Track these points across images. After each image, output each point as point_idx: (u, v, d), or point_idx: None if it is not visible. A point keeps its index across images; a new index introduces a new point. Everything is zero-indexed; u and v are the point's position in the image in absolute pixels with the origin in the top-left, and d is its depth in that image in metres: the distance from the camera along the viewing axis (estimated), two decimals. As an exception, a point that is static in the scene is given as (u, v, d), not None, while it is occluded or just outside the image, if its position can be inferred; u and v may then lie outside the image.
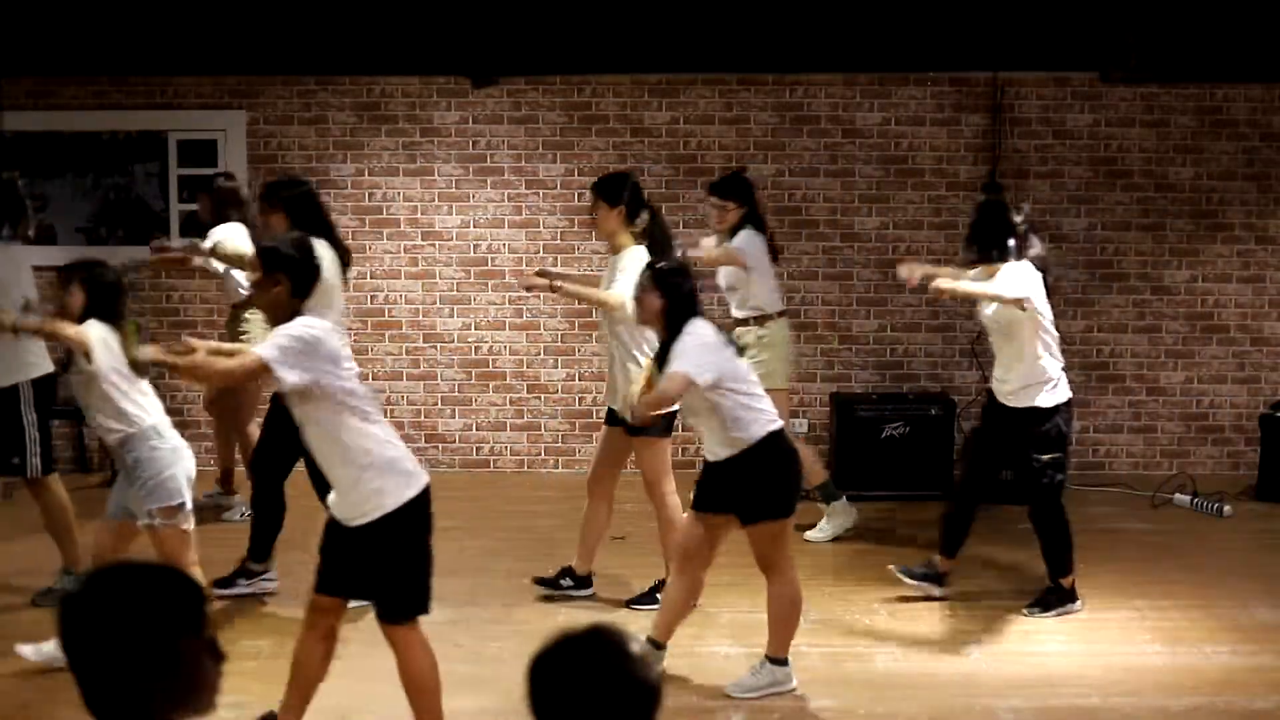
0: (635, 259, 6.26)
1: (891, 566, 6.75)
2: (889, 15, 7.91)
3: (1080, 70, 8.81)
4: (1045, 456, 6.40)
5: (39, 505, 6.67)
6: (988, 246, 6.48)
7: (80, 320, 5.62)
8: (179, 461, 5.65)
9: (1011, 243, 6.54)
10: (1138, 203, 9.09)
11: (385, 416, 9.85)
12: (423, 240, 9.15)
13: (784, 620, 5.68)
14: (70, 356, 5.73)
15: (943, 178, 9.06)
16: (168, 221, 9.08)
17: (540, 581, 6.74)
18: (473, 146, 9.10)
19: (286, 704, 4.95)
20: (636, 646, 2.32)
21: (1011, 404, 6.47)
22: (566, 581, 6.72)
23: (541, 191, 9.09)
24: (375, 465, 4.67)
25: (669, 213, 8.97)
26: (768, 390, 7.47)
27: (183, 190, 9.03)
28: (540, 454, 9.25)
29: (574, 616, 6.45)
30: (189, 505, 5.67)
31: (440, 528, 7.96)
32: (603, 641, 2.30)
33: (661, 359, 5.50)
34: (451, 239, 9.13)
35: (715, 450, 5.55)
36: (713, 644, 6.13)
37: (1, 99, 8.91)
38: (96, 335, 5.58)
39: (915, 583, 6.65)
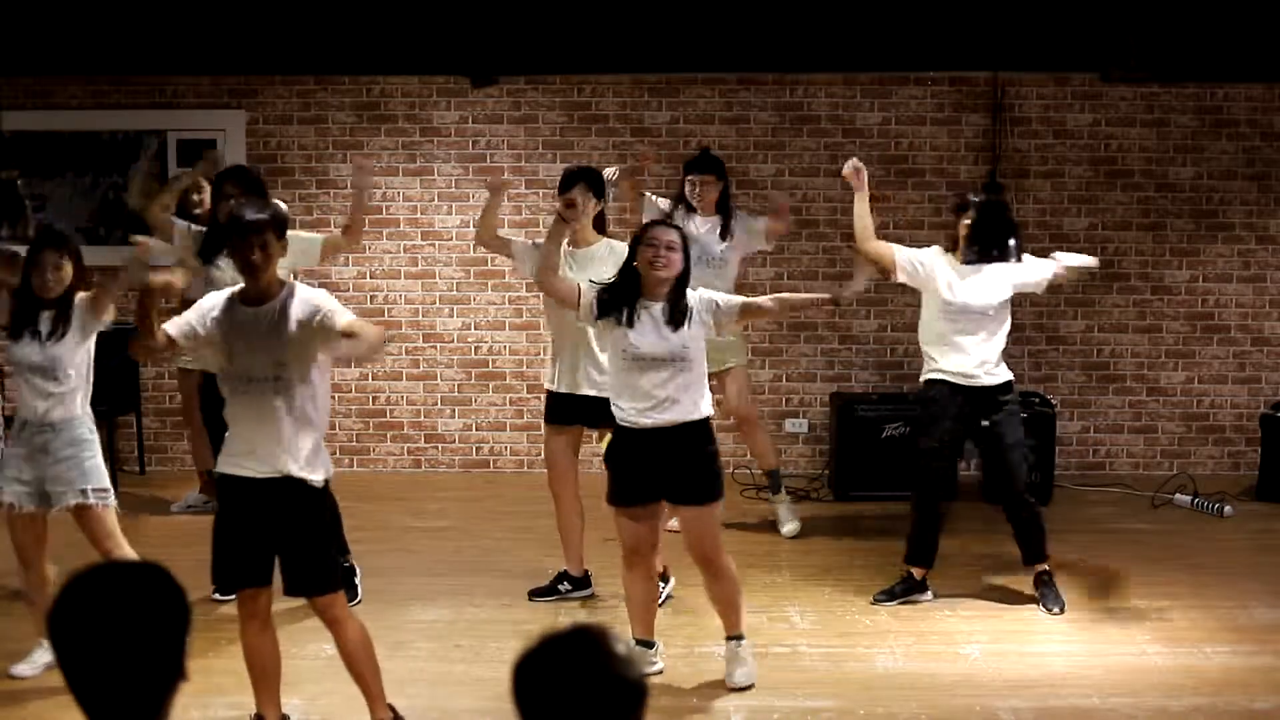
0: (613, 249, 6.33)
1: (873, 602, 6.66)
2: (889, 15, 7.91)
3: (1080, 70, 8.81)
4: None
5: None
6: (988, 246, 6.48)
7: (68, 292, 5.56)
8: (99, 447, 5.71)
9: (1012, 242, 6.54)
10: (1138, 202, 9.09)
11: (385, 416, 9.92)
12: (422, 240, 9.14)
13: (739, 600, 5.76)
14: (60, 324, 5.58)
15: (943, 178, 9.05)
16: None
17: (538, 593, 6.72)
18: (472, 146, 9.10)
19: (261, 701, 5.04)
20: (621, 646, 2.31)
21: (988, 383, 6.49)
22: (565, 586, 6.71)
23: (541, 191, 9.08)
24: (323, 432, 4.88)
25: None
26: (731, 368, 7.55)
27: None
28: (540, 454, 9.22)
29: (575, 616, 6.45)
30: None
31: (439, 528, 8.03)
32: (586, 641, 2.30)
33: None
34: (451, 239, 9.12)
35: (674, 416, 5.47)
36: (711, 644, 6.12)
37: (1, 99, 8.91)
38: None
39: (898, 602, 6.63)
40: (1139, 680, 5.76)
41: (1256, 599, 6.71)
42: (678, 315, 5.44)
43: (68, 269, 5.57)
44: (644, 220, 7.30)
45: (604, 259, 6.32)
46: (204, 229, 7.07)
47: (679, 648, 6.05)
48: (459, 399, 9.23)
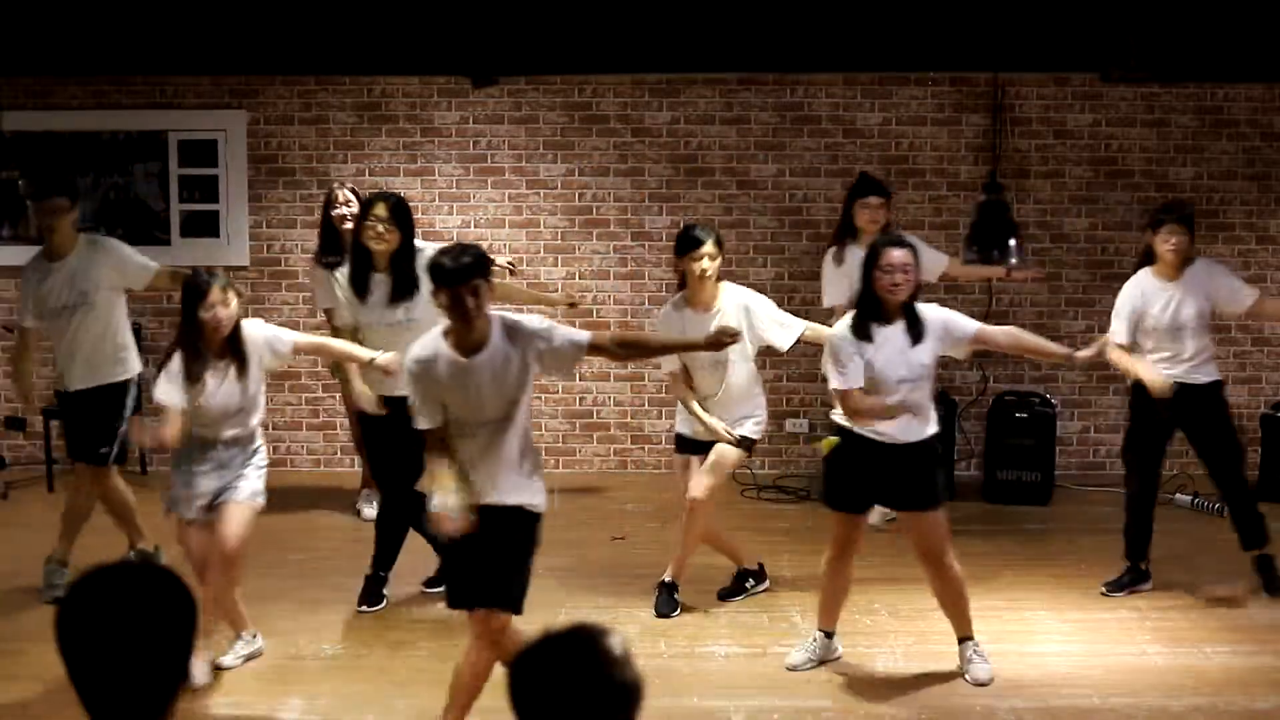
0: (740, 299, 6.42)
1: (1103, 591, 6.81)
2: (889, 15, 7.90)
3: (1080, 70, 8.81)
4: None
5: (102, 496, 6.76)
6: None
7: (236, 324, 5.60)
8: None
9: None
10: (1138, 202, 9.08)
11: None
12: (423, 240, 9.12)
13: (964, 602, 5.82)
14: (243, 365, 5.61)
15: (943, 178, 9.06)
16: (168, 222, 9.07)
17: (725, 594, 6.74)
18: (473, 146, 9.10)
19: (453, 710, 4.94)
20: (617, 647, 2.32)
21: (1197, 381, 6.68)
22: (750, 583, 6.77)
23: (542, 191, 9.08)
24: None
25: (669, 213, 9.00)
26: None
27: (183, 190, 9.02)
28: (540, 454, 9.21)
29: (575, 616, 6.45)
30: None
31: (440, 528, 8.01)
32: (582, 641, 2.31)
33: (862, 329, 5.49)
34: (452, 239, 9.10)
35: (915, 432, 5.54)
36: (711, 644, 6.13)
37: (1, 99, 8.91)
38: None
39: (1126, 592, 6.78)
40: (1139, 680, 5.76)
41: (1257, 599, 6.71)
42: (916, 332, 5.48)
43: (234, 301, 5.58)
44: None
45: (732, 313, 6.32)
46: (338, 260, 7.11)
47: (679, 647, 6.05)
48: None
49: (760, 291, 9.03)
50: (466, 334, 4.65)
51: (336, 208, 7.33)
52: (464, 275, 4.58)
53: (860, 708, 5.49)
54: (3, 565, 7.15)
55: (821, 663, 5.88)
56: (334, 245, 7.21)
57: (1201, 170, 9.06)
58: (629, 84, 9.04)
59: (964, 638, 5.81)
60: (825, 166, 9.05)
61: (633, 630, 6.00)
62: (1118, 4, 7.74)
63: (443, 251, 4.76)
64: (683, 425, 6.57)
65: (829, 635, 5.92)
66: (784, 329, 6.43)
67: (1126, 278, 9.04)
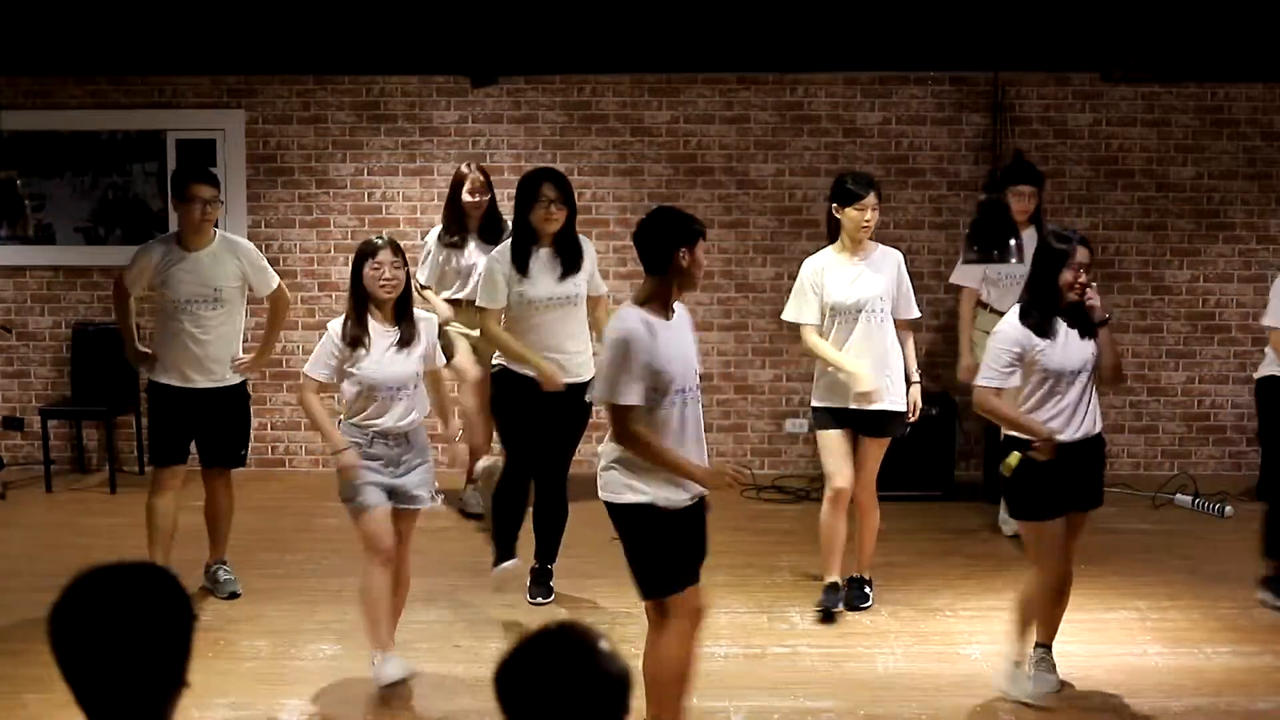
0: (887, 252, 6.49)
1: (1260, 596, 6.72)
2: (889, 15, 7.90)
3: (1081, 70, 8.81)
4: None
5: (219, 496, 6.75)
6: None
7: (405, 300, 5.61)
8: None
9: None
10: (1139, 202, 9.08)
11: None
12: (422, 240, 9.12)
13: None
14: (411, 336, 5.62)
15: (944, 177, 9.05)
16: (166, 221, 9.06)
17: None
18: (472, 146, 9.09)
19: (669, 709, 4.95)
20: (604, 642, 2.30)
21: None
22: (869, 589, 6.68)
23: (541, 191, 9.06)
24: None
25: (669, 212, 8.98)
26: None
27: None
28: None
29: (575, 616, 6.44)
30: None
31: (440, 528, 8.01)
32: (568, 639, 2.30)
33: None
34: (451, 239, 9.10)
35: (1089, 426, 5.47)
36: (711, 644, 6.11)
37: (1, 99, 8.90)
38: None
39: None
40: (1139, 680, 5.75)
41: (1257, 600, 6.70)
42: (1083, 325, 5.43)
43: (404, 271, 5.58)
44: None
45: (884, 266, 6.40)
46: (461, 240, 7.56)
47: (679, 648, 6.03)
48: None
49: (760, 291, 9.10)
50: (679, 295, 4.89)
51: (473, 195, 7.75)
52: (689, 239, 4.79)
53: (860, 708, 5.48)
54: (1, 565, 7.14)
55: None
56: (460, 225, 7.72)
57: (1202, 170, 9.06)
58: (628, 83, 9.03)
59: (1042, 643, 5.67)
60: (825, 166, 9.03)
61: (633, 630, 5.98)
62: (1118, 4, 7.74)
63: (661, 217, 4.93)
64: (823, 397, 6.45)
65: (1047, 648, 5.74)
66: (911, 304, 6.50)
67: (1127, 278, 9.11)
